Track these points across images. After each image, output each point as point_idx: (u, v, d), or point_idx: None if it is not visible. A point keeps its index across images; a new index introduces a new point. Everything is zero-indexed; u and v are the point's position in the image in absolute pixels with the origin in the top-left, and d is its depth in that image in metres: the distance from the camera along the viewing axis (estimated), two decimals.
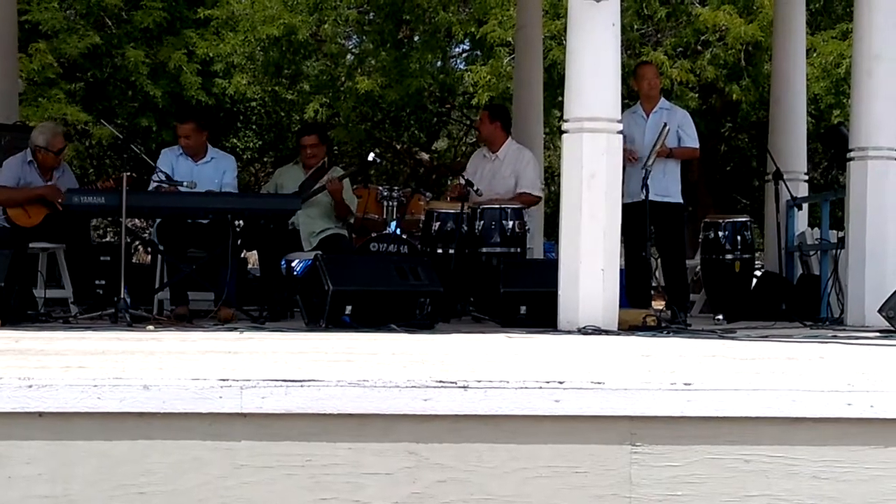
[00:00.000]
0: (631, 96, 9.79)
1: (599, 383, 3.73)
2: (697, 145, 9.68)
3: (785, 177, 10.81)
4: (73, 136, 18.20)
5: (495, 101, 16.60)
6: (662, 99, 9.87)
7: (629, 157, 9.13)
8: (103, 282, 10.19)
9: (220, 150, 9.85)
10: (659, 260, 10.00)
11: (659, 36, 19.04)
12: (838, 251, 9.56)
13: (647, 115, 9.59)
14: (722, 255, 10.11)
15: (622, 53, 8.79)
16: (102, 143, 19.86)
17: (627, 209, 8.82)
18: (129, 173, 8.24)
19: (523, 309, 8.36)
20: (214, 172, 9.19)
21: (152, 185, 8.97)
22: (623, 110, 8.26)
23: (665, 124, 9.31)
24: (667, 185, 9.43)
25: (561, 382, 3.71)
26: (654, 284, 10.15)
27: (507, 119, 10.37)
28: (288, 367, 4.19)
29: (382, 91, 19.54)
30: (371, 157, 10.46)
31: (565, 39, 8.23)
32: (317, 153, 9.82)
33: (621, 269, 7.88)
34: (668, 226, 9.47)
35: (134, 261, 12.92)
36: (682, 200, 9.59)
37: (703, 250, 10.28)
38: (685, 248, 10.05)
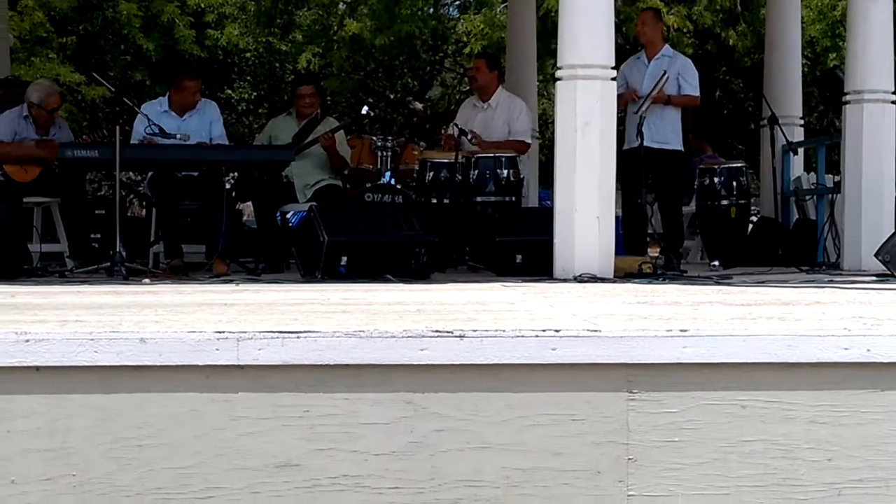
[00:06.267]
0: (633, 43, 9.70)
1: (596, 331, 3.73)
2: (698, 93, 9.55)
3: (780, 121, 10.79)
4: (66, 97, 18.16)
5: (489, 50, 16.51)
6: (666, 46, 9.70)
7: (631, 96, 9.08)
8: (99, 236, 10.18)
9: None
10: (655, 207, 9.95)
11: None
12: (834, 195, 9.54)
13: (649, 62, 9.52)
14: (718, 201, 10.08)
15: (617, 0, 8.72)
16: (96, 102, 19.75)
17: (625, 155, 8.78)
18: (122, 125, 8.17)
19: (519, 258, 8.34)
20: (200, 124, 9.09)
21: (136, 139, 8.86)
22: (619, 57, 8.20)
23: (665, 72, 9.23)
24: (665, 133, 9.32)
25: (557, 331, 3.71)
26: (650, 231, 10.11)
27: (502, 69, 10.34)
28: (284, 318, 4.18)
29: (372, 35, 19.43)
30: (364, 110, 10.42)
31: None
32: (313, 102, 9.80)
33: (617, 217, 7.85)
34: (665, 173, 9.35)
35: (129, 214, 12.90)
36: (680, 148, 9.49)
37: (699, 196, 10.24)
38: (681, 195, 9.99)
